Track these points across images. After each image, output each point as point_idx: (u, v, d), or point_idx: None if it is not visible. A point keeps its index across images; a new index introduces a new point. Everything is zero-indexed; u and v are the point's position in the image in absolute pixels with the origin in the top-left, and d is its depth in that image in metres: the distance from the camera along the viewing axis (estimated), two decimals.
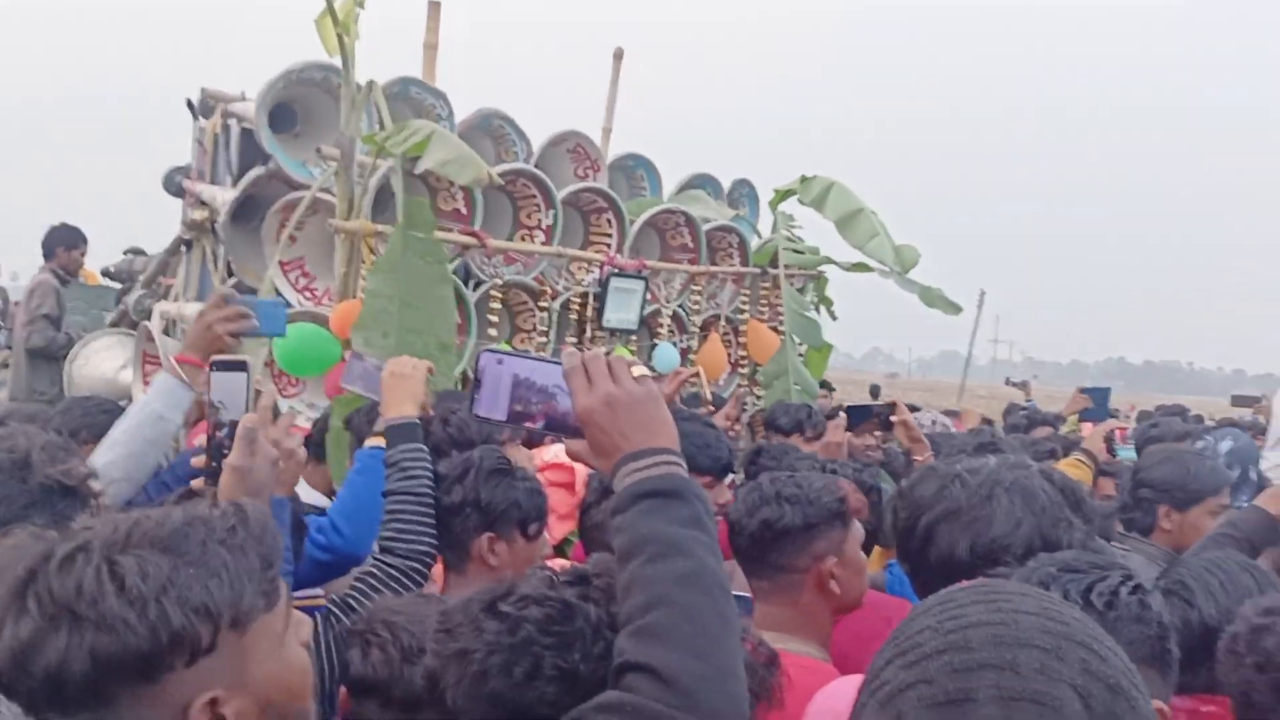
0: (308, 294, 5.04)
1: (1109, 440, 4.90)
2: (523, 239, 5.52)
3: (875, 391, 16.46)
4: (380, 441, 2.67)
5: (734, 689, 1.17)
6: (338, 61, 4.65)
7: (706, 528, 1.27)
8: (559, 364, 1.42)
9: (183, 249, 6.11)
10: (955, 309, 6.33)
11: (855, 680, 1.33)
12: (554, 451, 3.70)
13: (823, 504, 2.14)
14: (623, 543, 1.27)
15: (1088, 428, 6.36)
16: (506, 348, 5.24)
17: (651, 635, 1.17)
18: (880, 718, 0.85)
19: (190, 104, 6.11)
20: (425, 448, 2.58)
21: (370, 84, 4.79)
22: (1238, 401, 8.65)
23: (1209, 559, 2.09)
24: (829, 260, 6.74)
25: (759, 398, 6.42)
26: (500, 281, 5.30)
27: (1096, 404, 6.29)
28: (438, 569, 2.67)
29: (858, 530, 2.18)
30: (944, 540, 1.61)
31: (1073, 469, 4.43)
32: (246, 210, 5.29)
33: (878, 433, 4.90)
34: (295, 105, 5.41)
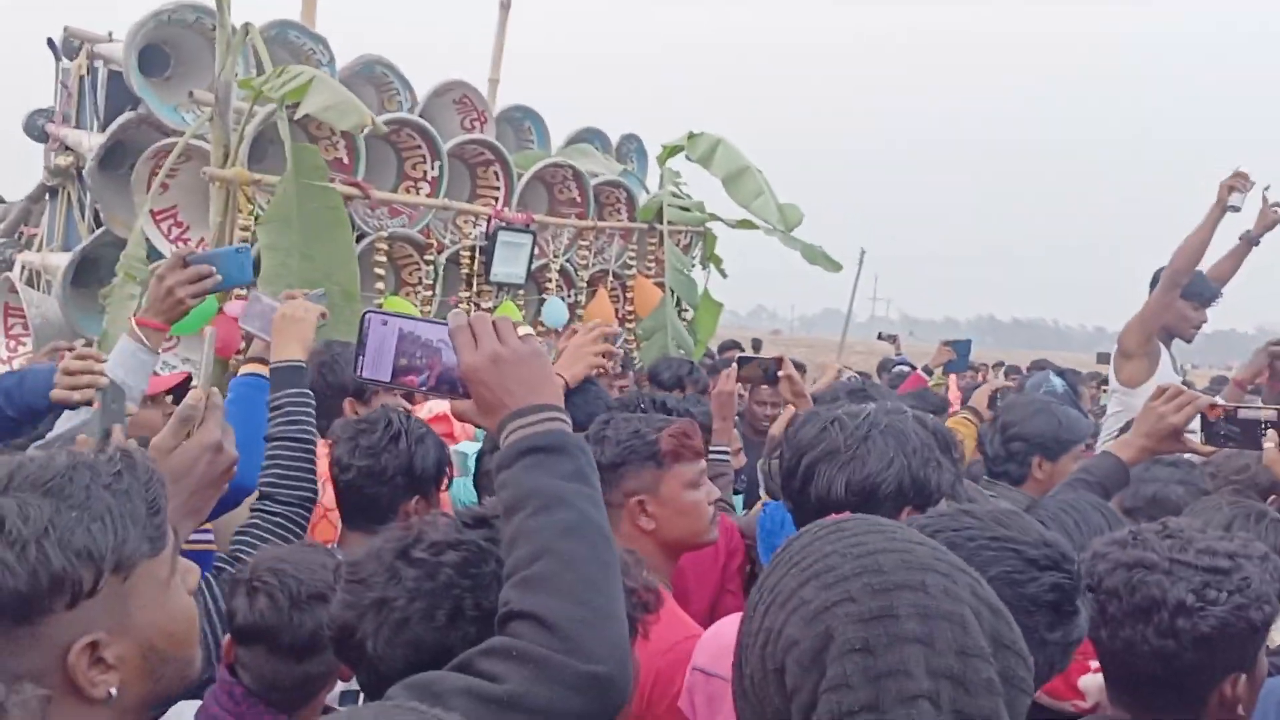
0: (181, 244, 4.87)
1: (994, 398, 5.08)
2: (407, 191, 5.43)
3: (757, 346, 16.79)
4: (255, 368, 2.65)
5: (613, 631, 1.21)
6: (212, 3, 4.48)
7: (589, 480, 1.32)
8: (444, 324, 1.44)
9: (46, 197, 5.84)
10: (836, 266, 6.48)
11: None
12: (430, 406, 3.68)
13: (629, 444, 2.25)
14: (508, 497, 1.30)
15: (953, 381, 6.60)
16: (398, 303, 5.17)
17: (535, 584, 1.21)
18: (807, 631, 0.94)
19: (52, 43, 5.80)
20: (310, 393, 2.55)
21: (246, 26, 4.63)
22: (1102, 358, 9.09)
23: (1064, 500, 2.21)
24: (714, 217, 6.81)
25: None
26: (385, 234, 5.21)
27: (959, 355, 6.56)
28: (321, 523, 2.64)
29: (682, 471, 2.25)
30: (823, 479, 1.69)
31: (960, 426, 4.58)
32: (115, 156, 5.07)
33: (764, 387, 4.99)
34: (166, 47, 5.19)
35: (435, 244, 5.50)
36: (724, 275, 7.00)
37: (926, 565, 0.95)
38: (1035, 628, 1.24)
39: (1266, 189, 4.72)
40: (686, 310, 6.72)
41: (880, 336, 10.74)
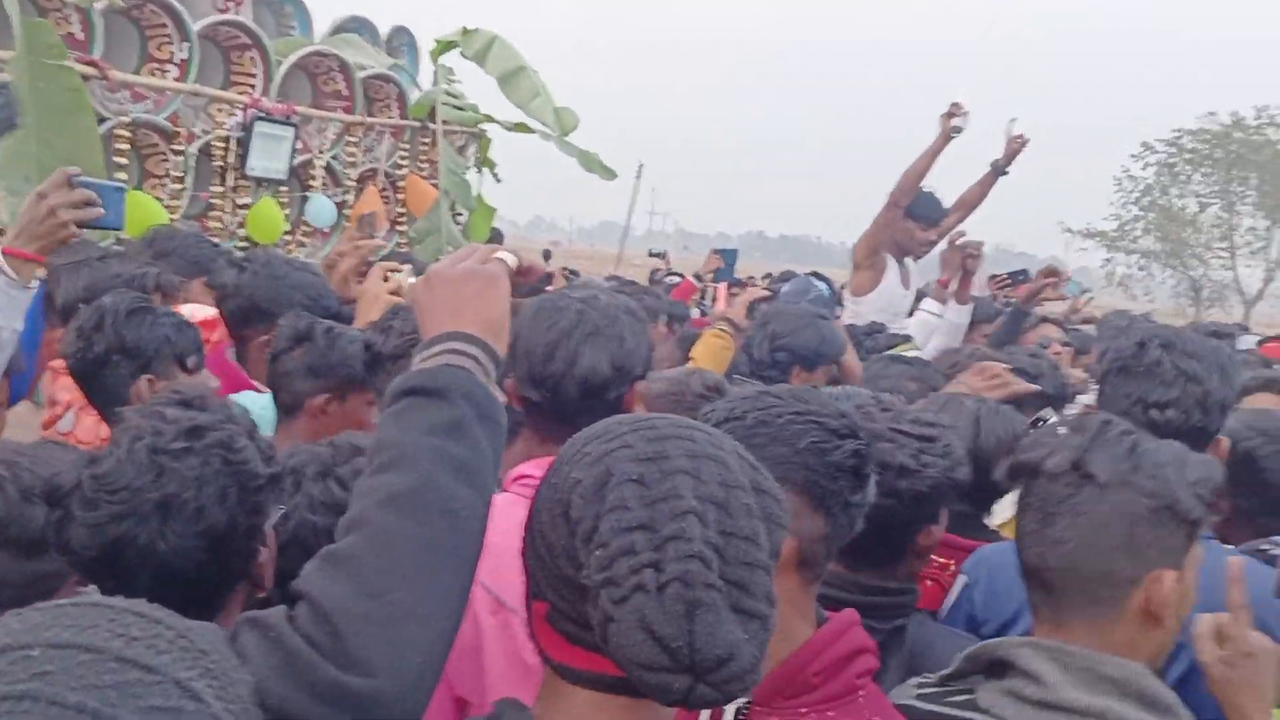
0: None
1: (751, 308, 5.22)
2: (152, 74, 4.98)
3: (547, 255, 16.79)
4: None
5: (407, 634, 1.00)
6: None
7: (464, 434, 1.09)
8: None
9: None
10: (610, 174, 6.46)
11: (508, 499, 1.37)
12: (191, 310, 3.43)
13: (412, 337, 2.18)
14: (371, 447, 1.14)
15: (722, 289, 6.79)
16: (142, 198, 4.77)
17: (331, 562, 1.03)
18: (589, 472, 0.99)
19: None
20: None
21: None
22: None
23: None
24: (489, 118, 6.63)
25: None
26: (128, 120, 4.77)
27: (727, 264, 6.79)
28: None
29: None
30: (586, 359, 1.72)
31: (716, 339, 4.66)
32: None
33: None
34: None
35: (185, 133, 5.09)
36: (498, 179, 6.86)
37: (695, 426, 1.05)
38: (841, 492, 1.33)
39: (1012, 121, 5.04)
40: (460, 213, 6.55)
41: (650, 254, 11.06)
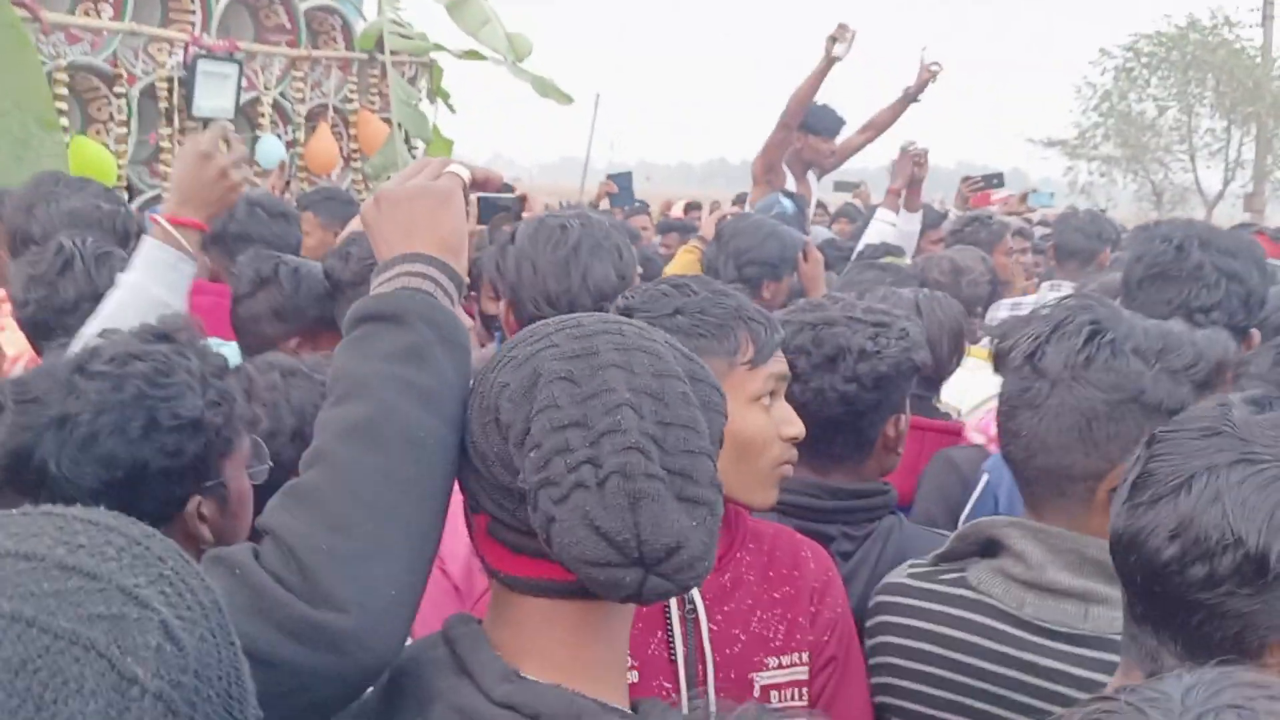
0: None
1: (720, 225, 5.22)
2: (86, 14, 4.83)
3: (509, 189, 16.62)
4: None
5: (377, 568, 0.96)
6: None
7: (424, 360, 1.03)
8: None
9: None
10: (567, 99, 6.35)
11: None
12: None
13: (370, 262, 2.18)
14: (329, 377, 1.09)
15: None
16: (85, 144, 4.64)
17: (294, 497, 1.00)
18: (518, 374, 0.96)
19: None
20: None
21: None
22: (840, 187, 9.65)
23: None
24: (439, 47, 6.48)
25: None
26: (64, 64, 4.63)
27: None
28: None
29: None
30: (596, 271, 1.86)
31: (688, 254, 4.63)
32: None
33: None
34: None
35: (125, 75, 4.95)
36: (452, 110, 6.73)
37: (623, 320, 1.04)
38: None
39: (924, 49, 5.24)
40: (416, 146, 6.44)
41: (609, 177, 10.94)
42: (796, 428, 1.44)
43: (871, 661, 1.50)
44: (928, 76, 5.12)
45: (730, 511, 1.40)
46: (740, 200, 6.20)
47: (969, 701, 1.37)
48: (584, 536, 0.90)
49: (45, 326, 2.19)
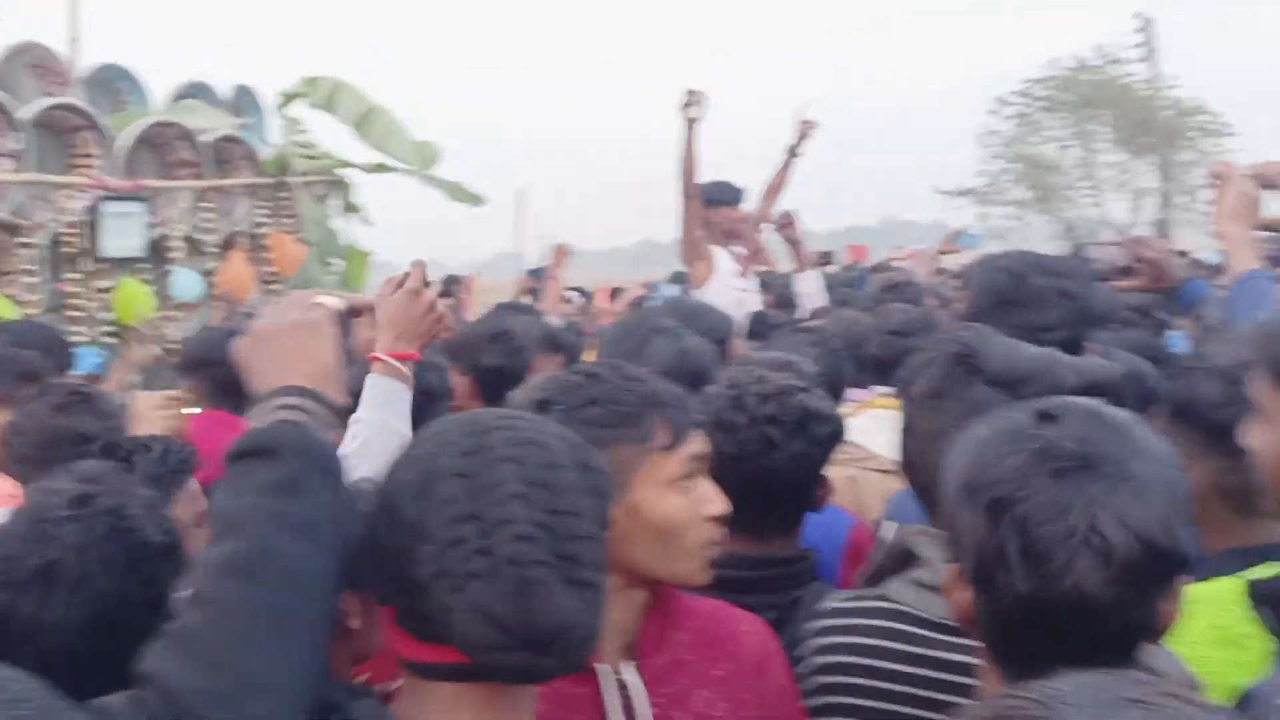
0: None
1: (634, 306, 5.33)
2: None
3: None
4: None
5: (259, 704, 0.97)
6: None
7: (299, 491, 1.05)
8: None
9: None
10: (478, 200, 6.45)
11: None
12: None
13: None
14: (210, 518, 1.11)
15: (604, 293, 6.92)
16: None
17: (175, 640, 1.01)
18: (414, 471, 1.04)
19: None
20: None
21: None
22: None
23: None
24: (346, 163, 6.56)
25: None
26: None
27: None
28: None
29: None
30: None
31: None
32: None
33: None
34: None
35: (30, 224, 4.94)
36: (367, 223, 6.79)
37: (518, 415, 1.11)
38: None
39: (801, 106, 5.42)
40: (332, 263, 6.47)
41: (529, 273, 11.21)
42: (718, 506, 1.43)
43: (804, 687, 1.51)
44: (806, 130, 5.31)
45: (663, 592, 1.42)
46: (677, 278, 6.31)
47: (893, 707, 1.40)
48: (478, 624, 0.96)
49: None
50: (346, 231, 6.63)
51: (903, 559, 1.46)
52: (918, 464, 1.45)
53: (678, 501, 1.40)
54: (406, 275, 1.88)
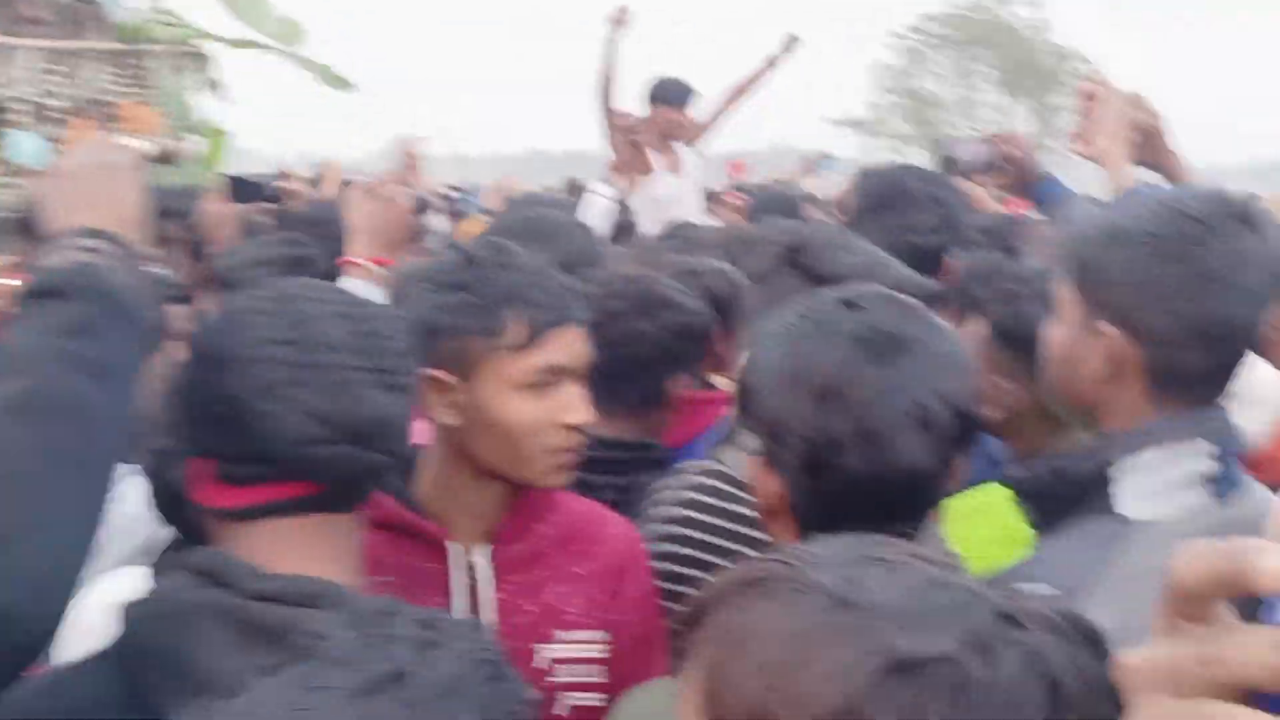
0: None
1: None
2: None
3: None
4: None
5: (29, 545, 0.94)
6: None
7: (91, 333, 1.02)
8: None
9: None
10: (345, 85, 6.17)
11: None
12: None
13: None
14: None
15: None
16: None
17: None
18: (234, 325, 1.09)
19: None
20: None
21: None
22: None
23: None
24: (207, 34, 6.20)
25: None
26: None
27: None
28: None
29: None
30: None
31: (473, 225, 4.64)
32: None
33: None
34: None
35: None
36: (228, 101, 6.46)
37: (324, 286, 1.20)
38: None
39: (789, 34, 5.59)
40: (186, 137, 6.16)
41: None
42: (578, 415, 1.37)
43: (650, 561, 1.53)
44: (788, 45, 5.41)
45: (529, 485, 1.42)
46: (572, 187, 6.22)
47: (712, 559, 1.46)
48: (299, 420, 1.01)
49: None
50: (205, 107, 6.30)
51: None
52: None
53: (524, 405, 1.35)
54: (378, 182, 1.97)
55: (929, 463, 1.03)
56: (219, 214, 3.36)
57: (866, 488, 1.02)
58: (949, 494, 1.10)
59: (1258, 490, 1.24)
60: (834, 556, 0.59)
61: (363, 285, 1.83)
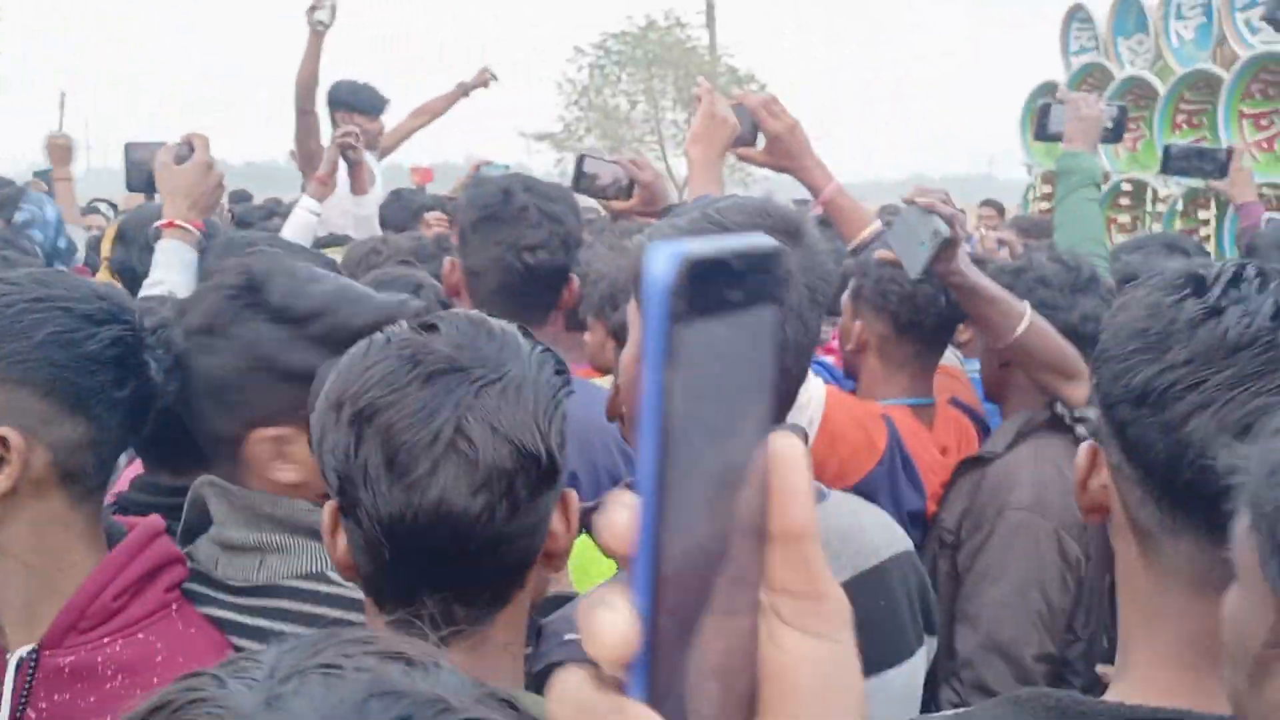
0: None
1: None
2: None
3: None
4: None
5: None
6: None
7: None
8: None
9: None
10: None
11: None
12: None
13: None
14: None
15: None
16: None
17: None
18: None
19: None
20: None
21: None
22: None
23: None
24: None
25: None
26: None
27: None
28: None
29: None
30: None
31: None
32: None
33: None
34: None
35: None
36: None
37: None
38: (102, 387, 1.16)
39: (486, 68, 5.67)
40: None
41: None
42: None
43: None
44: (484, 78, 5.53)
45: None
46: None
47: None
48: None
49: None
50: None
51: (206, 513, 1.29)
52: (192, 409, 1.32)
53: None
54: (184, 147, 2.14)
55: (474, 506, 0.88)
56: None
57: (401, 533, 0.89)
58: (549, 555, 0.98)
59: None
60: (278, 665, 0.52)
61: (180, 246, 2.08)
